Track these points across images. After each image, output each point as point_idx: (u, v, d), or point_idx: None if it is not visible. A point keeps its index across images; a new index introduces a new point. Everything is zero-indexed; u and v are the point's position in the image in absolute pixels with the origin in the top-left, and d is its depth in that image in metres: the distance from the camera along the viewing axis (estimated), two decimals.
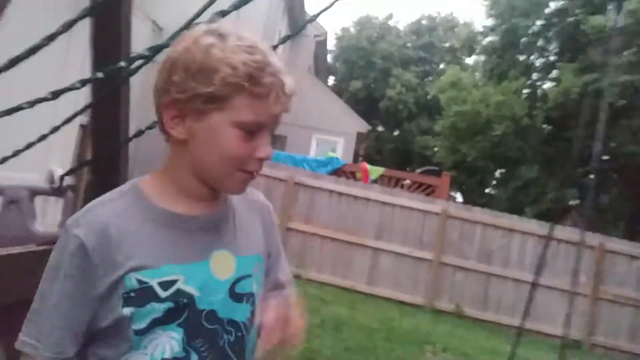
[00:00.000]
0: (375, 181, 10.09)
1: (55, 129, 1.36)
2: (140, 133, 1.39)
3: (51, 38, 1.04)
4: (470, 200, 21.57)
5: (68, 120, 1.37)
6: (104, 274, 0.87)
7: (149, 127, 1.51)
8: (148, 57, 1.05)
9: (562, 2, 18.67)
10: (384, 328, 6.06)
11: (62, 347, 0.89)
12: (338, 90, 28.70)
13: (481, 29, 22.19)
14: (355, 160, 19.02)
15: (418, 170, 13.55)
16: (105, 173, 1.55)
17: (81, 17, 1.07)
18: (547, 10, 19.29)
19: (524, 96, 20.13)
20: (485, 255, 8.45)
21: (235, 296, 0.97)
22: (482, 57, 23.53)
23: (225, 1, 1.27)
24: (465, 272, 8.42)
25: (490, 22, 20.86)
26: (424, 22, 33.00)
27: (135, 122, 1.66)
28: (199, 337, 0.92)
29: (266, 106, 0.91)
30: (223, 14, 1.18)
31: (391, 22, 32.94)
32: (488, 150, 19.67)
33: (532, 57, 20.81)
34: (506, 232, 8.48)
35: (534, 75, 20.81)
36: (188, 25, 1.16)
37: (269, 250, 1.10)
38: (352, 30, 32.39)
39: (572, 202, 18.07)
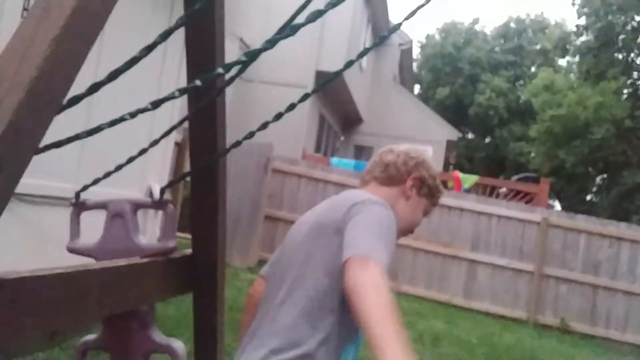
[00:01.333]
0: (468, 190, 9.77)
1: (155, 143, 1.37)
2: (237, 144, 1.37)
3: (150, 48, 1.02)
4: (570, 208, 20.40)
5: (167, 134, 1.37)
6: None
7: (246, 138, 1.49)
8: (245, 63, 1.02)
9: None
10: (484, 343, 5.79)
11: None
12: (425, 98, 28.25)
13: (574, 29, 21.07)
14: (446, 169, 18.60)
15: (514, 178, 12.98)
16: (203, 185, 1.55)
17: (178, 26, 1.05)
18: None
19: (625, 96, 18.90)
20: (591, 266, 7.91)
21: None
22: (577, 58, 22.32)
23: (302, 16, 1.24)
24: (569, 284, 7.92)
25: (583, 21, 19.77)
26: (512, 24, 31.87)
27: (227, 137, 1.65)
28: None
29: (436, 202, 1.66)
30: (320, 13, 1.13)
31: (477, 27, 32.07)
32: (587, 155, 18.60)
33: (631, 55, 19.50)
34: (614, 241, 7.90)
35: (635, 74, 19.49)
36: (285, 29, 1.13)
37: None
38: (437, 37, 31.85)
39: None
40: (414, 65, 28.17)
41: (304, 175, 8.48)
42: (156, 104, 0.99)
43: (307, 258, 1.35)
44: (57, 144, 0.98)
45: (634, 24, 18.51)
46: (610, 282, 7.79)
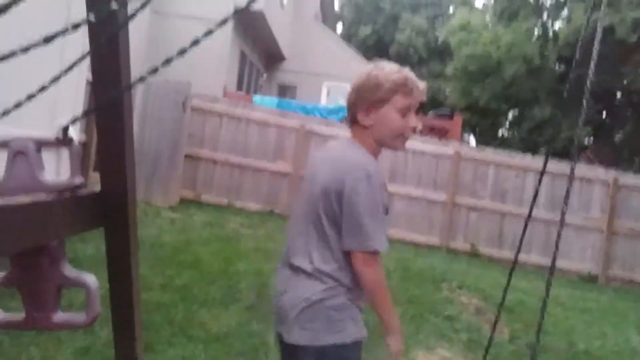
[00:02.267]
0: None
1: (55, 79, 1.35)
2: (142, 79, 1.37)
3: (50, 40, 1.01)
4: (484, 142, 21.41)
5: (67, 70, 1.35)
6: (384, 195, 1.63)
7: (150, 73, 1.49)
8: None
9: None
10: (399, 268, 6.15)
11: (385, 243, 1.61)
12: (347, 37, 28.17)
13: None
14: None
15: (430, 114, 13.41)
16: (109, 121, 1.55)
17: None
18: None
19: (535, 37, 19.69)
20: (499, 195, 8.47)
21: None
22: None
23: None
24: (479, 212, 8.47)
25: None
26: None
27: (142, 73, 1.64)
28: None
29: (411, 98, 1.65)
30: None
31: None
32: (500, 92, 19.43)
33: None
34: (520, 172, 8.45)
35: (545, 15, 20.28)
36: None
37: None
38: None
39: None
40: (336, 3, 27.85)
41: (225, 114, 8.40)
42: (48, 39, 0.99)
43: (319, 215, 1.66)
44: None
45: None
46: (516, 209, 8.37)
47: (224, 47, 11.83)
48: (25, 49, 1.05)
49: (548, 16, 20.17)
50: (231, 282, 4.50)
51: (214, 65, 11.50)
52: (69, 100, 4.88)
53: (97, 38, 1.42)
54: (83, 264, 3.78)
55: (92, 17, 1.01)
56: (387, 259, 6.55)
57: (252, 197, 8.25)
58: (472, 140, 25.31)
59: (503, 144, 20.38)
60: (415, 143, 8.50)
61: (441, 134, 10.28)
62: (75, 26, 1.04)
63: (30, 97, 1.42)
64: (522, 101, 19.73)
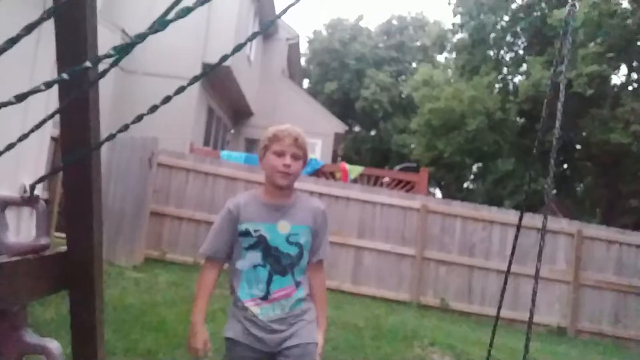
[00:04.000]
0: (355, 180, 10.10)
1: (24, 137, 1.32)
2: (112, 136, 1.35)
3: (14, 41, 0.99)
4: (449, 195, 21.78)
5: (37, 127, 1.33)
6: (235, 222, 2.04)
7: (120, 131, 1.47)
8: (115, 57, 1.02)
9: None
10: (370, 326, 6.05)
11: (218, 253, 2.07)
12: (313, 92, 28.74)
13: (450, 27, 22.41)
14: (334, 160, 19.07)
15: (396, 168, 13.60)
16: (77, 179, 1.51)
17: (44, 19, 1.03)
18: (513, 6, 19.62)
19: (496, 91, 20.41)
20: (467, 248, 8.52)
21: (289, 242, 2.03)
22: (453, 55, 23.79)
23: (190, 2, 1.26)
24: (448, 266, 8.47)
25: (458, 19, 21.10)
26: (394, 22, 33.27)
27: (109, 131, 1.62)
28: (269, 257, 2.02)
29: (282, 143, 2.06)
30: (188, 10, 1.16)
31: (362, 23, 33.15)
32: (464, 146, 19.89)
33: (501, 52, 21.11)
34: (486, 224, 8.55)
35: (505, 70, 21.12)
36: (154, 25, 1.14)
37: (317, 233, 2.12)
38: (324, 32, 32.48)
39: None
40: (303, 59, 28.51)
41: (192, 169, 8.33)
42: (20, 98, 0.96)
43: None
44: None
45: (503, 23, 20.03)
46: (484, 263, 8.42)
47: (191, 102, 11.90)
48: None
49: (508, 71, 20.99)
50: None
51: (181, 121, 11.52)
52: (32, 158, 4.79)
53: (67, 96, 1.40)
54: (42, 329, 3.61)
55: (65, 76, 0.99)
56: (358, 316, 6.46)
57: None
58: (438, 193, 25.68)
59: (468, 196, 20.71)
60: (382, 196, 8.57)
61: (408, 187, 10.39)
62: (49, 84, 1.03)
63: None
64: (485, 154, 20.20)
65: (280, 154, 2.05)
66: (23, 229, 4.27)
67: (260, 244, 2.02)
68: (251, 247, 2.02)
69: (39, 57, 4.37)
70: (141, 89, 11.05)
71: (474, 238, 8.54)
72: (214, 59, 11.74)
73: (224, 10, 11.73)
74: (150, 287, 6.14)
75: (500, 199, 19.12)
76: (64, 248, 1.57)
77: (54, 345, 1.47)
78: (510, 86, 20.59)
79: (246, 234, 2.02)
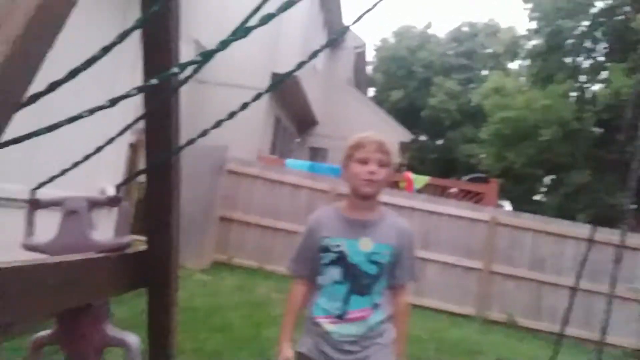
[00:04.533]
0: (419, 190, 9.99)
1: (111, 140, 1.40)
2: (192, 141, 1.42)
3: (107, 49, 1.07)
4: (519, 208, 21.01)
5: (123, 131, 1.41)
6: (316, 238, 1.99)
7: (200, 136, 1.54)
8: (199, 62, 1.07)
9: (609, 1, 18.14)
10: (433, 338, 5.95)
11: (303, 271, 2.06)
12: (379, 101, 28.65)
13: (524, 33, 21.76)
14: (398, 170, 18.90)
15: (464, 178, 13.31)
16: (158, 182, 1.59)
17: (135, 27, 1.10)
18: (593, 10, 18.76)
19: (572, 99, 19.60)
20: (537, 263, 8.21)
21: (370, 261, 1.93)
22: (526, 62, 23.07)
23: (258, 15, 1.30)
24: (516, 281, 8.20)
25: (533, 25, 20.44)
26: (464, 28, 32.71)
27: (183, 139, 1.69)
28: (349, 276, 1.92)
29: (365, 150, 1.95)
30: (270, 17, 1.21)
31: (430, 31, 32.80)
32: (536, 157, 19.23)
33: (579, 59, 20.26)
34: (558, 239, 8.22)
35: (582, 78, 20.25)
36: (237, 32, 1.20)
37: (400, 254, 2.00)
38: (391, 40, 32.36)
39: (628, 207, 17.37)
40: (369, 68, 28.50)
41: (259, 177, 8.50)
42: (114, 101, 1.03)
43: None
44: (16, 140, 1.01)
45: (582, 28, 19.22)
46: (555, 278, 8.10)
47: (259, 112, 12.15)
48: (91, 111, 1.10)
49: (586, 79, 20.10)
50: (262, 348, 4.41)
51: (249, 130, 11.77)
52: (111, 163, 5.04)
53: (152, 102, 1.48)
54: (118, 326, 3.78)
55: (154, 81, 1.05)
56: (421, 329, 6.36)
57: (282, 261, 8.19)
58: (508, 205, 24.95)
59: (539, 209, 19.97)
60: (449, 207, 8.42)
61: (476, 198, 10.16)
62: (140, 89, 1.09)
63: (87, 157, 1.48)
64: (558, 166, 19.45)
65: (364, 162, 1.94)
66: (103, 228, 4.49)
67: (340, 260, 1.93)
68: (331, 263, 1.94)
69: (120, 63, 4.61)
70: (213, 99, 11.38)
71: (545, 253, 8.23)
72: (283, 69, 11.95)
73: (293, 22, 11.93)
74: (217, 290, 6.30)
75: (573, 213, 18.32)
76: (143, 247, 1.66)
77: (133, 339, 1.55)
78: (588, 95, 19.74)
79: (326, 249, 1.95)
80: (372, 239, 1.94)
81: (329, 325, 1.93)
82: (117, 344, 1.58)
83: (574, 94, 19.86)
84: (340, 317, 1.92)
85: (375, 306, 1.95)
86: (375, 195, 2.00)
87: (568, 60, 20.04)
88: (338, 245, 1.93)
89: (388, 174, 1.98)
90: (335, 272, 1.93)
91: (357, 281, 1.92)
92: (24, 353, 3.01)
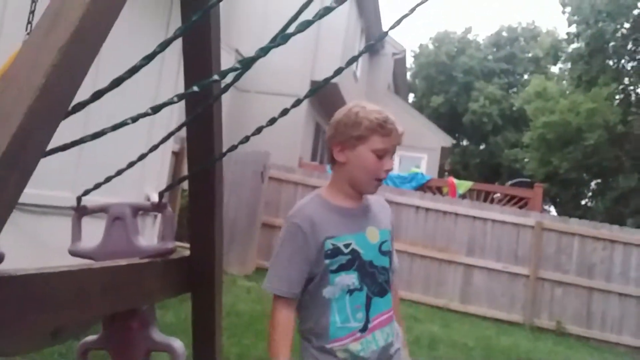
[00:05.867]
0: (463, 196, 9.83)
1: (155, 147, 1.43)
2: (233, 148, 1.43)
3: (149, 58, 1.09)
4: (565, 213, 20.47)
5: (166, 138, 1.43)
6: (313, 243, 1.53)
7: (241, 142, 1.56)
8: (240, 70, 1.08)
9: None
10: (480, 346, 5.83)
11: (295, 289, 1.53)
12: (419, 106, 28.44)
13: (565, 36, 21.24)
14: (441, 175, 18.68)
15: (508, 183, 13.05)
16: (201, 187, 1.61)
17: (177, 36, 1.12)
18: (635, 12, 18.20)
19: (617, 102, 19.02)
20: (585, 269, 7.96)
21: (382, 252, 1.63)
22: (568, 65, 22.50)
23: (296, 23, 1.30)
24: (565, 287, 7.96)
25: (574, 28, 19.93)
26: (504, 33, 32.16)
27: (225, 147, 1.71)
28: (366, 277, 1.57)
29: (389, 140, 1.57)
30: (308, 23, 1.21)
31: (470, 36, 32.36)
32: (581, 161, 18.71)
33: (622, 61, 19.65)
34: (607, 244, 7.95)
35: (626, 80, 19.63)
36: (277, 38, 1.20)
37: (394, 236, 1.74)
38: (431, 46, 32.11)
39: None
40: (408, 74, 28.34)
41: (300, 183, 8.53)
42: (156, 109, 1.05)
43: None
44: (63, 147, 1.04)
45: (624, 30, 18.68)
46: (604, 285, 7.84)
47: (300, 119, 12.21)
48: (134, 119, 1.12)
49: (630, 81, 19.49)
50: None
51: (290, 137, 11.84)
52: (155, 170, 5.15)
53: (194, 109, 1.50)
54: (162, 331, 3.84)
55: (195, 88, 1.07)
56: (467, 336, 6.25)
57: None
58: (553, 211, 24.30)
59: (586, 214, 19.40)
60: (494, 213, 8.26)
61: (521, 204, 9.94)
62: (181, 97, 1.11)
63: (131, 164, 1.51)
64: (605, 170, 18.87)
65: (383, 154, 1.57)
66: (147, 234, 4.59)
67: (355, 261, 1.56)
68: (342, 268, 1.55)
69: (164, 71, 4.71)
70: (254, 107, 11.52)
71: (594, 258, 7.97)
72: (321, 77, 11.99)
73: (331, 29, 11.97)
74: (261, 296, 6.33)
75: (622, 218, 17.71)
76: (187, 253, 1.68)
77: (178, 344, 1.57)
78: (633, 97, 19.12)
79: (334, 253, 1.54)
80: (376, 226, 1.64)
81: (352, 345, 1.55)
82: (162, 349, 1.60)
83: (619, 96, 19.26)
84: (365, 329, 1.57)
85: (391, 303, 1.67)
86: None
87: (611, 62, 19.45)
88: (348, 244, 1.56)
89: None
90: (349, 278, 1.55)
91: (375, 281, 1.60)
92: (72, 357, 3.10)
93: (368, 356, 1.55)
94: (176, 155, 6.79)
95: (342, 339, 1.54)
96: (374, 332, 1.57)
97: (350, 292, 1.55)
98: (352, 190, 1.63)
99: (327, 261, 1.53)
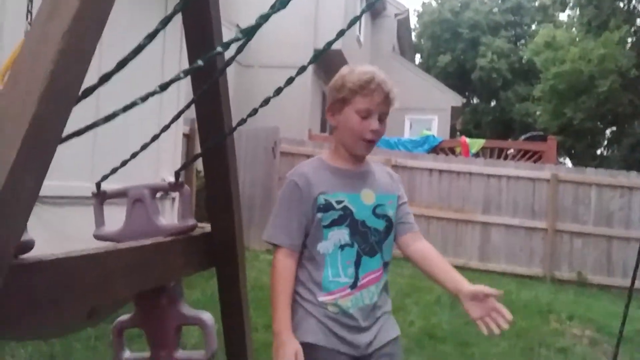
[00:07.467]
0: (476, 154, 9.79)
1: (166, 127, 1.44)
2: (243, 121, 1.44)
3: (152, 36, 1.09)
4: (581, 164, 20.29)
5: (176, 117, 1.45)
6: (307, 197, 1.62)
7: (250, 115, 1.57)
8: (242, 40, 1.08)
9: None
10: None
11: (295, 240, 1.64)
12: (426, 67, 28.07)
13: None
14: (453, 135, 18.55)
15: (521, 138, 12.94)
16: (215, 163, 1.63)
17: (176, 12, 1.12)
18: None
19: (629, 46, 18.61)
20: (604, 218, 7.94)
21: (376, 214, 1.68)
22: (577, 11, 22.00)
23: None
24: (584, 238, 7.96)
25: None
26: None
27: (234, 120, 1.72)
28: (357, 234, 1.64)
29: (371, 100, 1.60)
30: None
31: None
32: (595, 109, 18.45)
33: (633, 2, 19.15)
34: (625, 191, 7.91)
35: (638, 21, 19.15)
36: (276, 4, 1.20)
37: (403, 202, 1.79)
38: (434, 3, 31.53)
39: None
40: (413, 34, 27.91)
41: (312, 155, 8.47)
42: (164, 86, 1.06)
43: None
44: (77, 133, 1.05)
45: None
46: (624, 232, 7.82)
47: (306, 90, 12.16)
48: (143, 99, 1.13)
49: None
50: None
51: (298, 109, 11.82)
52: (169, 153, 5.19)
53: (201, 86, 1.51)
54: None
55: (200, 62, 1.07)
56: None
57: None
58: (569, 163, 24.09)
59: (603, 164, 19.21)
60: (508, 169, 8.23)
61: (535, 158, 9.88)
62: (187, 72, 1.11)
63: (144, 146, 1.53)
64: (620, 117, 18.62)
65: (367, 115, 1.61)
66: (166, 215, 4.66)
67: (346, 218, 1.63)
68: (335, 223, 1.62)
69: (167, 49, 4.71)
70: (260, 82, 11.48)
71: (612, 207, 7.94)
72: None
73: None
74: None
75: (639, 164, 17.54)
76: (208, 228, 1.71)
77: (207, 316, 1.61)
78: None
79: (327, 208, 1.62)
80: (373, 190, 1.69)
81: (342, 300, 1.61)
82: (193, 322, 1.65)
83: (631, 39, 18.82)
84: (354, 286, 1.63)
85: (385, 265, 1.71)
86: None
87: (621, 4, 18.96)
88: (341, 201, 1.63)
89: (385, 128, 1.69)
90: (341, 233, 1.62)
91: (366, 240, 1.65)
92: (107, 340, 3.19)
93: (357, 314, 1.62)
94: (187, 137, 6.83)
95: (333, 293, 1.62)
96: (362, 291, 1.64)
97: (342, 247, 1.63)
98: (347, 153, 1.70)
99: (319, 214, 1.62)
